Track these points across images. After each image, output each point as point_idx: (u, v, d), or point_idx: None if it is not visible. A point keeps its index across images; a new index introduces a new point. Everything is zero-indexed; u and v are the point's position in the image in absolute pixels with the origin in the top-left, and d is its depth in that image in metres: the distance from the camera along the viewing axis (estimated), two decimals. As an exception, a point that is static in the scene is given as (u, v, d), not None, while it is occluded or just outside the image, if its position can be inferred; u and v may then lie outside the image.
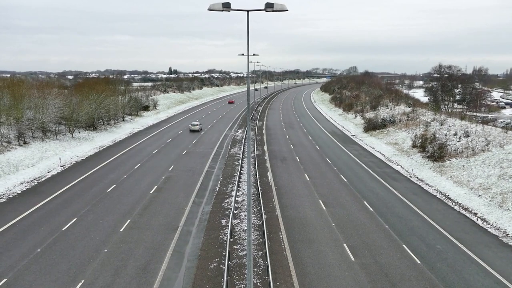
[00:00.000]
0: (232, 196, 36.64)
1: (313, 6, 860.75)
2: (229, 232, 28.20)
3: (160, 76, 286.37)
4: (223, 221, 31.37)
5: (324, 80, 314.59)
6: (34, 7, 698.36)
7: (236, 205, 34.50)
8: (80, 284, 22.08)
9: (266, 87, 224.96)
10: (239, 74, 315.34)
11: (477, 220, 32.87)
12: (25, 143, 50.16)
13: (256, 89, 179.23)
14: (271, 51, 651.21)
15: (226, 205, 34.87)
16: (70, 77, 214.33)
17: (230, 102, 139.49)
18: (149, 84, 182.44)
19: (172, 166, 47.78)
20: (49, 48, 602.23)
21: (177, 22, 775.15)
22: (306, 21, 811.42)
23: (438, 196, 39.00)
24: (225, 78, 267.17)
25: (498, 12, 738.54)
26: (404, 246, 27.72)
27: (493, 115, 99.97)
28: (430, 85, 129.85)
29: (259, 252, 26.30)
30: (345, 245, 27.61)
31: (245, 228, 29.84)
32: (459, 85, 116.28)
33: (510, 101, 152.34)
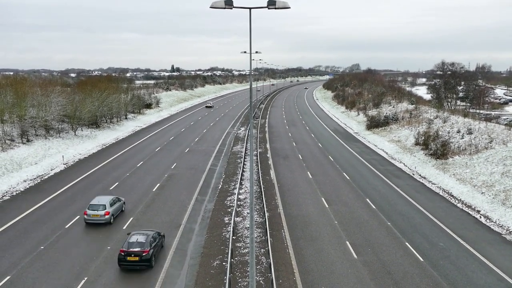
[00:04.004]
0: (235, 193, 36.66)
1: (319, 4, 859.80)
2: (231, 229, 28.23)
3: (162, 74, 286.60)
4: (226, 218, 31.39)
5: (326, 77, 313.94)
6: (42, 5, 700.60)
7: (238, 202, 34.52)
8: (83, 281, 22.16)
9: (298, 80, 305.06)
10: (241, 72, 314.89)
11: (480, 217, 32.80)
12: (28, 141, 50.27)
13: (291, 81, 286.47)
14: (276, 49, 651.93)
15: (228, 203, 34.89)
16: (73, 75, 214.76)
17: (272, 85, 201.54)
18: (152, 82, 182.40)
19: (175, 164, 47.83)
20: (55, 46, 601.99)
21: (184, 20, 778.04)
22: (311, 19, 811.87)
23: (441, 193, 38.92)
24: (227, 76, 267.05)
25: (503, 9, 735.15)
26: (407, 243, 27.70)
27: (496, 112, 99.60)
28: (433, 82, 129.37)
29: (262, 250, 26.32)
30: (347, 242, 27.60)
31: (248, 225, 29.87)
32: (462, 82, 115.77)
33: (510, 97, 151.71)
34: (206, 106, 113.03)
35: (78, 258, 24.62)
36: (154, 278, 22.67)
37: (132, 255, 22.85)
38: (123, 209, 32.27)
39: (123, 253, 22.96)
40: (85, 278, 22.42)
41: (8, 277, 22.37)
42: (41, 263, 23.96)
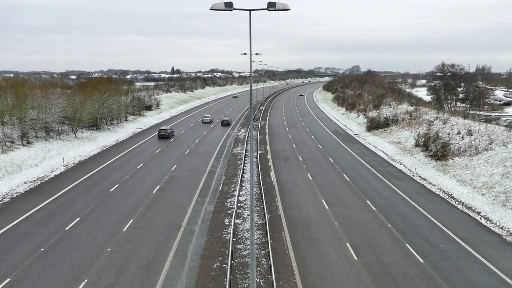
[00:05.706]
0: (235, 195, 36.65)
1: (319, 5, 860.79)
2: (232, 231, 28.21)
3: (162, 75, 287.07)
4: (226, 220, 31.38)
5: (326, 79, 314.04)
6: (44, 7, 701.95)
7: (238, 204, 34.50)
8: (83, 283, 22.14)
9: (309, 81, 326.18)
10: (241, 74, 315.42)
11: (481, 219, 32.79)
12: (28, 143, 50.29)
13: (309, 81, 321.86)
14: (278, 50, 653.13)
15: (228, 205, 34.88)
16: (73, 77, 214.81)
17: (287, 84, 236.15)
18: (152, 83, 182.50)
19: (175, 166, 47.83)
20: (57, 48, 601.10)
21: (185, 22, 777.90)
22: (314, 20, 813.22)
23: (441, 195, 38.92)
24: (227, 78, 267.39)
25: (503, 10, 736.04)
26: (407, 245, 27.68)
27: (496, 114, 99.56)
28: (433, 84, 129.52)
29: (262, 252, 26.31)
30: (348, 244, 27.59)
31: (248, 227, 29.86)
32: (462, 84, 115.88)
33: (511, 99, 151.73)
34: (233, 96, 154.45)
35: (78, 260, 24.59)
36: (155, 280, 22.66)
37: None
38: None
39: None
40: (85, 280, 22.41)
41: (8, 279, 22.35)
42: (41, 265, 23.94)
